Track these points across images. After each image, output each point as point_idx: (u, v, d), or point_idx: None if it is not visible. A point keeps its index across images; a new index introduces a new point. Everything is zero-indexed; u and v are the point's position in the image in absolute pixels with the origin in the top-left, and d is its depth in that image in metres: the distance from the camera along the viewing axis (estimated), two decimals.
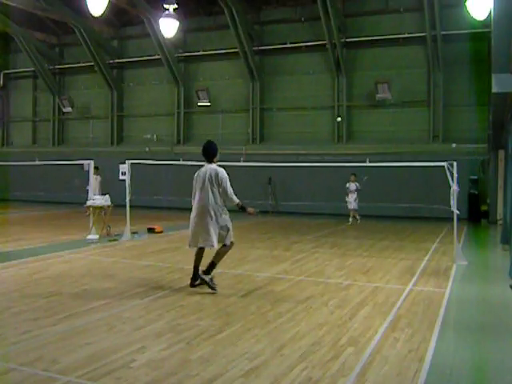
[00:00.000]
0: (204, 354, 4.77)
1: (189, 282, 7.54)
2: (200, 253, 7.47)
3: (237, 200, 7.31)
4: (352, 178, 17.48)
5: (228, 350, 4.89)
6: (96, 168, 18.76)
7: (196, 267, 7.42)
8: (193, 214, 7.39)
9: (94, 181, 18.66)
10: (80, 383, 4.12)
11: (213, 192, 7.27)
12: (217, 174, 7.28)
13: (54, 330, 5.46)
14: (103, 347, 4.93)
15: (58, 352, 4.77)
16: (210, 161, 7.49)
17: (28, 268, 8.97)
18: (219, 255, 7.47)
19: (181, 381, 4.18)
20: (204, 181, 7.29)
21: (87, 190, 18.56)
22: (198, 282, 7.40)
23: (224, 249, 7.48)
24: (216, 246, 7.28)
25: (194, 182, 7.47)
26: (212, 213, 7.21)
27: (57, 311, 6.17)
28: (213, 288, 7.23)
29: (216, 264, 7.46)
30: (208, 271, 7.37)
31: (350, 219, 17.72)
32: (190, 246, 7.51)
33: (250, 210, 7.41)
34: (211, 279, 7.32)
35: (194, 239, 7.35)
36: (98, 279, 8.16)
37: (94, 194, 18.41)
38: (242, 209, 7.34)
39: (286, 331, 5.54)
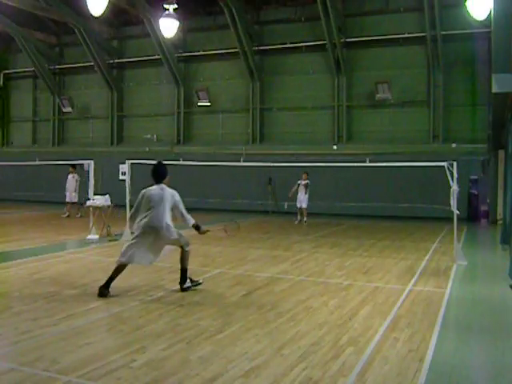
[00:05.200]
0: (204, 354, 4.77)
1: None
2: (122, 269, 7.18)
3: (192, 220, 7.34)
4: (304, 176, 17.30)
5: (228, 350, 4.89)
6: (73, 167, 18.93)
7: (112, 279, 7.05)
8: (144, 230, 7.08)
9: (71, 180, 18.93)
10: (80, 383, 4.12)
11: (168, 212, 7.17)
12: (173, 196, 7.25)
13: (54, 330, 5.46)
14: (103, 347, 4.93)
15: (58, 352, 4.77)
16: (160, 182, 7.36)
17: (28, 268, 8.97)
18: (184, 259, 7.41)
19: (181, 381, 4.18)
20: (161, 200, 7.14)
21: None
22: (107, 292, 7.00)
23: (186, 253, 7.40)
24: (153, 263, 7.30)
25: (146, 199, 7.20)
26: (167, 233, 7.12)
27: (57, 311, 6.17)
28: (198, 284, 7.47)
29: (186, 269, 7.42)
30: (184, 279, 7.37)
31: (299, 217, 17.63)
32: (125, 261, 7.11)
33: (203, 229, 7.46)
34: (191, 281, 7.42)
35: (138, 256, 7.10)
36: (98, 279, 8.13)
37: (68, 192, 18.78)
38: (197, 228, 7.40)
39: (285, 331, 5.54)
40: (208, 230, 7.64)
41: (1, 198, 25.27)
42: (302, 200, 17.36)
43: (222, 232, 8.38)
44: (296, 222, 17.62)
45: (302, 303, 6.76)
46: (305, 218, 17.37)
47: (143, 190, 7.33)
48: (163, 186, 7.34)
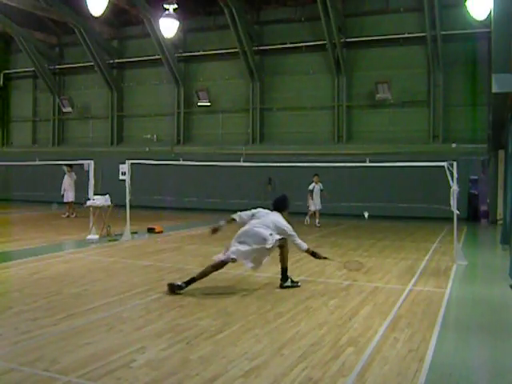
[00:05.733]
0: (204, 354, 4.77)
1: (190, 282, 7.52)
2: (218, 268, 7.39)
3: (305, 246, 7.68)
4: (315, 178, 16.94)
5: (228, 350, 4.89)
6: (70, 166, 18.95)
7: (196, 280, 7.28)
8: (238, 239, 7.36)
9: (67, 179, 18.95)
10: (80, 383, 4.12)
11: (263, 227, 7.36)
12: (276, 223, 7.47)
13: (54, 329, 5.46)
14: (103, 347, 4.92)
15: (58, 352, 4.76)
16: (276, 210, 7.79)
17: (28, 268, 8.96)
18: (284, 259, 7.71)
19: (181, 381, 4.18)
20: (261, 217, 7.54)
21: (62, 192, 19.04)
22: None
23: (285, 251, 7.69)
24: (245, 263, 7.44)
25: (255, 215, 7.64)
26: (258, 244, 7.24)
27: (57, 311, 6.17)
28: (297, 285, 7.72)
29: (287, 268, 7.74)
30: (285, 278, 7.68)
31: (309, 219, 17.15)
32: (225, 259, 7.35)
33: (320, 255, 7.92)
34: (291, 281, 7.71)
35: (238, 253, 7.28)
36: (97, 279, 8.16)
37: (65, 192, 18.83)
38: (313, 255, 7.85)
39: (285, 331, 5.54)
40: (326, 258, 8.06)
41: (1, 198, 25.29)
42: (318, 203, 16.89)
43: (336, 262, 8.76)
44: (307, 223, 17.12)
45: (302, 303, 6.76)
46: (318, 220, 16.90)
47: (259, 209, 7.84)
48: (275, 212, 7.73)
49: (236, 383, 4.15)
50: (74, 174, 19.05)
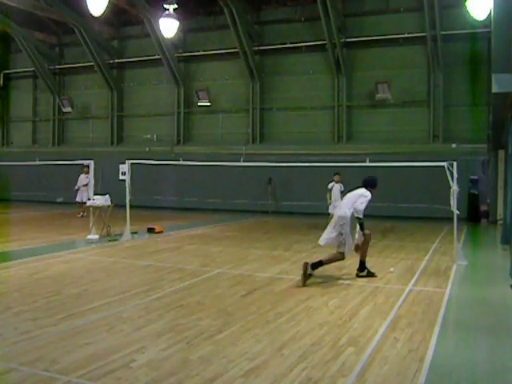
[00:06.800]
0: (204, 354, 4.77)
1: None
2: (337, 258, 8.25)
3: (359, 215, 8.19)
4: (336, 177, 15.59)
5: (228, 350, 4.89)
6: (87, 166, 18.88)
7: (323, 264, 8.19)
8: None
9: (84, 180, 18.90)
10: (80, 383, 4.12)
11: (347, 207, 8.28)
12: (356, 195, 8.41)
13: (54, 330, 5.47)
14: (103, 347, 4.93)
15: (58, 352, 4.77)
16: (364, 187, 8.57)
17: (28, 268, 8.97)
18: (329, 259, 8.22)
19: (181, 381, 4.18)
20: (346, 196, 8.72)
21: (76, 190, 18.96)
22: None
23: (336, 255, 8.20)
24: (322, 244, 8.38)
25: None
26: (337, 224, 8.17)
27: (57, 311, 6.17)
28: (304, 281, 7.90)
29: (323, 264, 8.13)
30: (314, 266, 8.00)
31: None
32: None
33: (366, 232, 8.44)
34: (310, 274, 7.95)
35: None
36: (97, 279, 8.16)
37: (80, 192, 18.75)
38: (360, 227, 8.38)
39: (285, 331, 5.54)
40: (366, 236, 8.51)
41: (1, 198, 25.28)
42: (335, 205, 14.54)
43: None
44: None
45: (302, 303, 6.76)
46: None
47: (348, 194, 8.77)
48: (363, 189, 8.52)
49: (236, 383, 4.15)
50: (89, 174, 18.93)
